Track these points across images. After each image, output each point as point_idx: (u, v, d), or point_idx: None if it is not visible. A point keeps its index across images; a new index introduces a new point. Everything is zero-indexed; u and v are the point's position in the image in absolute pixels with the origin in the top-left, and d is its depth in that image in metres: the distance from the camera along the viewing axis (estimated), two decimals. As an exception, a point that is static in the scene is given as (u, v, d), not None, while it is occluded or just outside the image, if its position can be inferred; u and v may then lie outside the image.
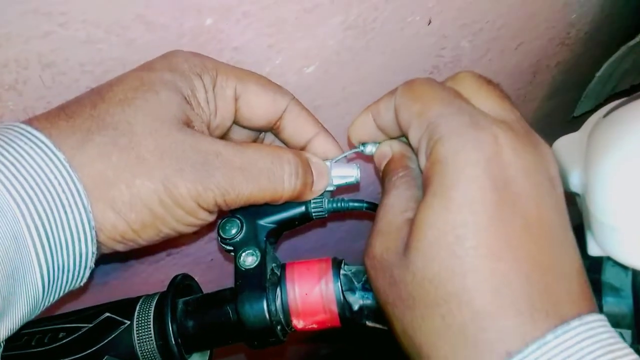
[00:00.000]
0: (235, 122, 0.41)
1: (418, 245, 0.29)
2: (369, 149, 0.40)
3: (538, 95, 0.77)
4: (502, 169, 0.28)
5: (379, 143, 0.40)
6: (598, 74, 0.69)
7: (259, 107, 0.40)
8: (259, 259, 0.38)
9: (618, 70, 0.69)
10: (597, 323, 0.26)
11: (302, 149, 0.43)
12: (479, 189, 0.27)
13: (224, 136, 0.41)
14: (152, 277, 0.60)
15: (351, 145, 0.41)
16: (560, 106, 0.81)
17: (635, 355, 0.25)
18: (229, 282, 0.40)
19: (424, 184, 0.30)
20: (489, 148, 0.28)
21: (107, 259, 0.46)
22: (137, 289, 0.59)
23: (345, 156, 0.43)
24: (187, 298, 0.41)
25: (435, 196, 0.29)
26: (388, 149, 0.38)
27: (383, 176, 0.37)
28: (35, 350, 0.37)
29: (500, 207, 0.27)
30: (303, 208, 0.40)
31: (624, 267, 0.31)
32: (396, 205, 0.33)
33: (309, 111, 0.44)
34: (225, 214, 0.40)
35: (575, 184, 0.34)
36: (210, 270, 0.65)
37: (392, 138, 0.39)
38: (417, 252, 0.29)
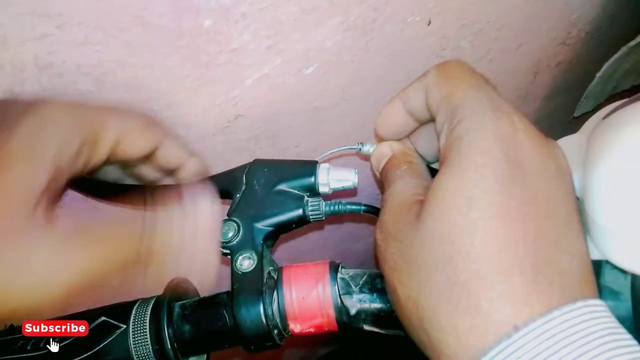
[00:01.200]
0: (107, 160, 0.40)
1: (430, 209, 0.29)
2: (367, 148, 0.41)
3: (539, 95, 0.77)
4: (516, 148, 0.29)
5: (377, 144, 0.40)
6: (599, 74, 0.68)
7: (136, 149, 0.40)
8: (255, 262, 0.38)
9: (619, 70, 0.69)
10: (600, 307, 0.27)
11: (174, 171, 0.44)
12: (491, 160, 0.28)
13: None
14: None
15: (377, 137, 0.41)
16: (561, 106, 0.81)
17: (636, 342, 0.25)
18: (227, 283, 0.39)
19: (440, 161, 0.31)
20: (506, 128, 0.29)
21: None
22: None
23: (341, 151, 0.43)
24: (183, 302, 0.41)
25: (449, 167, 0.29)
26: (387, 149, 0.39)
27: (384, 173, 0.38)
28: (30, 354, 0.37)
29: (511, 178, 0.28)
30: (300, 211, 0.40)
31: (623, 271, 0.31)
32: (406, 190, 0.34)
33: (180, 140, 0.44)
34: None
35: (575, 187, 0.33)
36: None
37: (407, 134, 0.40)
38: (428, 215, 0.29)
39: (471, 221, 0.28)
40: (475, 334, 0.26)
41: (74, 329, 0.39)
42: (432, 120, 0.36)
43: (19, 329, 0.40)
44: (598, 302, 0.27)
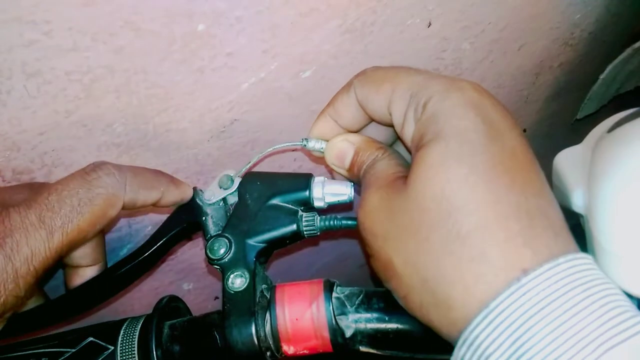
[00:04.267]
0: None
1: (420, 173, 0.30)
2: (312, 144, 0.40)
3: (541, 96, 0.76)
4: (486, 111, 0.31)
5: (325, 140, 0.40)
6: (602, 76, 0.67)
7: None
8: (247, 280, 0.36)
9: (622, 72, 0.68)
10: (593, 262, 0.28)
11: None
12: (471, 123, 0.30)
13: None
14: (147, 284, 0.59)
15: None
16: (564, 108, 0.80)
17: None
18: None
19: (418, 143, 0.32)
20: (472, 94, 0.31)
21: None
22: (131, 296, 0.58)
23: (284, 147, 0.43)
24: (173, 321, 0.40)
25: (431, 140, 0.30)
26: (346, 144, 0.39)
27: (354, 166, 0.38)
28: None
29: (491, 137, 0.30)
30: (294, 226, 0.38)
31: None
32: (387, 169, 0.35)
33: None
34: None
35: (578, 205, 0.32)
36: (206, 276, 0.65)
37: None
38: (419, 178, 0.30)
39: (464, 176, 0.28)
40: (484, 281, 0.27)
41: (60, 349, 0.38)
42: (363, 127, 0.40)
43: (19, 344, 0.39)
44: (591, 257, 0.28)
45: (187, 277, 0.63)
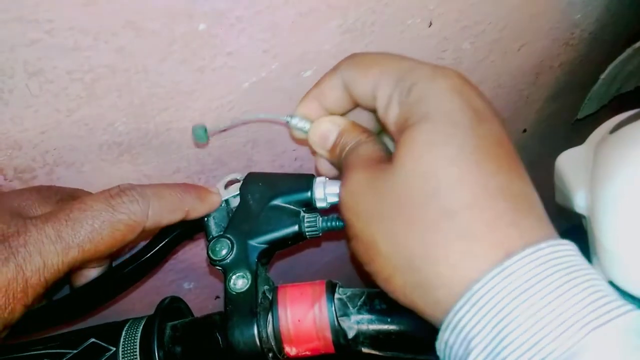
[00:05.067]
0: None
1: (405, 152, 0.30)
2: (295, 121, 0.40)
3: (541, 96, 0.76)
4: (470, 97, 0.31)
5: (310, 121, 0.40)
6: (602, 76, 0.67)
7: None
8: (249, 281, 0.36)
9: (622, 72, 0.68)
10: (576, 249, 0.28)
11: None
12: (457, 108, 0.30)
13: None
14: (148, 284, 0.59)
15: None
16: (564, 108, 0.80)
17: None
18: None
19: (402, 125, 0.32)
20: (457, 81, 0.32)
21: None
22: (132, 295, 0.58)
23: (268, 118, 0.43)
24: (175, 322, 0.40)
25: (416, 122, 0.30)
26: (331, 125, 0.39)
27: (337, 147, 0.38)
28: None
29: (478, 122, 0.30)
30: (296, 227, 0.38)
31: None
32: (371, 152, 0.35)
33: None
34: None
35: (580, 205, 0.32)
36: (206, 276, 0.65)
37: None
38: (406, 157, 0.30)
39: (452, 156, 0.29)
40: (470, 258, 0.27)
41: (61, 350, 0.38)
42: (348, 111, 0.40)
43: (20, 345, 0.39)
44: (574, 244, 0.28)
45: (188, 277, 0.63)
